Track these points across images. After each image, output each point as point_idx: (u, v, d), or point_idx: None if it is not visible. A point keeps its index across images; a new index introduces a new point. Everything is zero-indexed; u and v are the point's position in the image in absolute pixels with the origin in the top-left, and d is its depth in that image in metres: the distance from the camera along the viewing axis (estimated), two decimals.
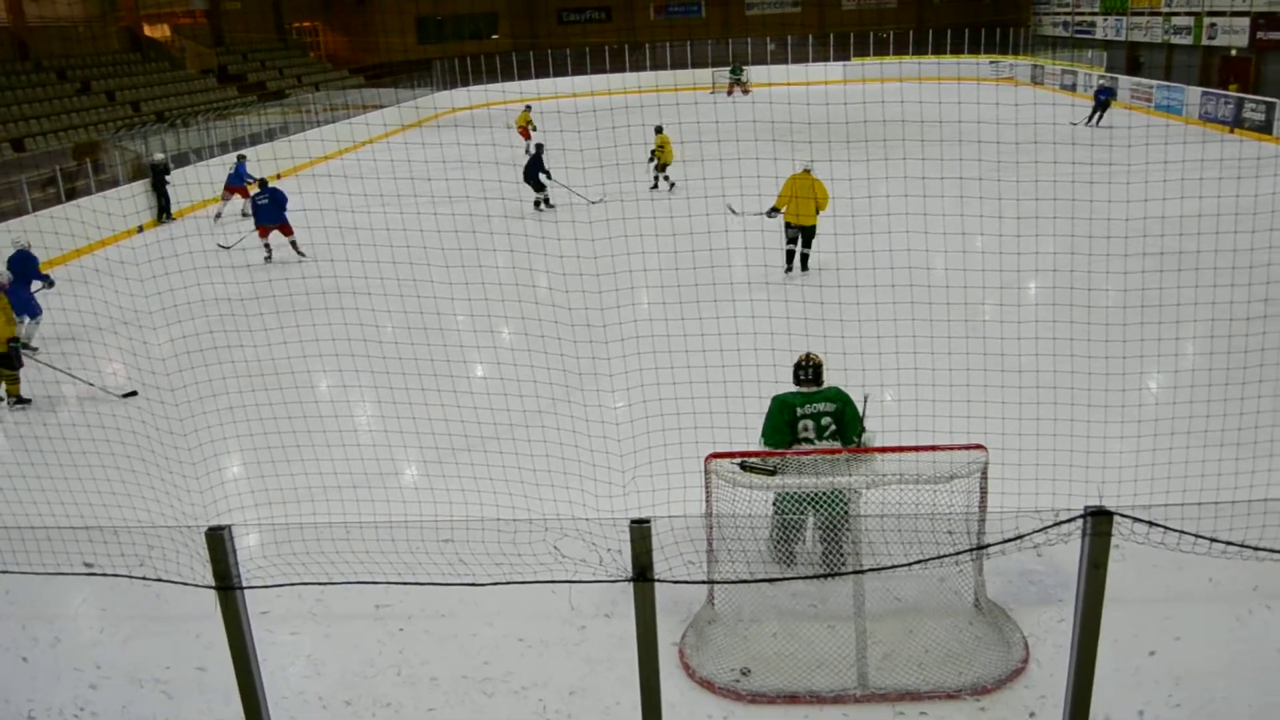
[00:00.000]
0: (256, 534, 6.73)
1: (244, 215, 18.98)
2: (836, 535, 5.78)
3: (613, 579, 4.81)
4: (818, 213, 13.25)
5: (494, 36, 50.06)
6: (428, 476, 7.92)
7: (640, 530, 4.37)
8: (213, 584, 4.57)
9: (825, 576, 5.88)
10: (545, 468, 6.94)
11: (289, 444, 7.42)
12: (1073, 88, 35.91)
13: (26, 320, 12.09)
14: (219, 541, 4.51)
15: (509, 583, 4.99)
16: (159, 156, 20.76)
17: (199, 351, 9.23)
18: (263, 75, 37.00)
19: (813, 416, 6.09)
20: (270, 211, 16.66)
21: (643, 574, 4.44)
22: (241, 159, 20.92)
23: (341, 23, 47.99)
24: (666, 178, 20.75)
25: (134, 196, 20.13)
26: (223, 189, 20.63)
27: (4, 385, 10.38)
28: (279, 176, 23.45)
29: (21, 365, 10.38)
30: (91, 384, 10.42)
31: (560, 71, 41.96)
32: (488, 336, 10.58)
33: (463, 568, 5.29)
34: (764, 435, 6.21)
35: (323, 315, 12.62)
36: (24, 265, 12.38)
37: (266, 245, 16.91)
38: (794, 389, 6.28)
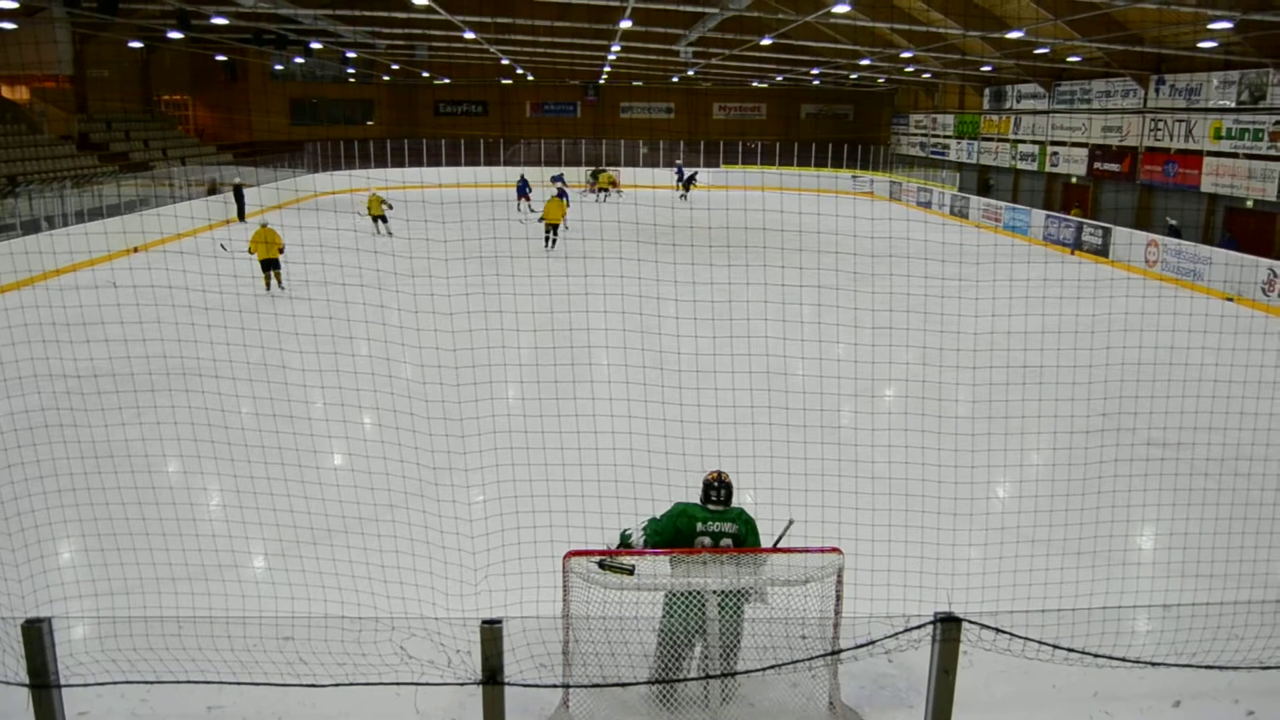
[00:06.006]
0: (80, 627, 6.30)
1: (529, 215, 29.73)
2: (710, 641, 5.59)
3: (461, 681, 4.65)
4: (564, 218, 24.21)
5: (369, 123, 50.05)
6: (270, 570, 7.56)
7: (491, 631, 4.26)
8: (25, 681, 4.26)
9: (676, 681, 5.77)
10: (394, 564, 6.71)
11: (122, 530, 7.01)
12: (928, 204, 37.77)
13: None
14: (35, 635, 4.23)
15: (351, 684, 4.77)
16: (238, 179, 31.34)
17: (30, 430, 8.70)
18: (126, 146, 35.94)
19: (712, 535, 5.74)
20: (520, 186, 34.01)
21: (493, 676, 4.31)
22: (523, 177, 34.69)
23: (213, 99, 47.26)
24: (607, 189, 33.25)
25: (225, 204, 30.48)
26: (517, 198, 33.41)
27: (273, 278, 18.07)
28: (135, 250, 22.75)
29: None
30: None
31: (435, 161, 42.13)
32: (344, 426, 10.30)
33: (303, 667, 5.05)
34: (647, 526, 5.80)
35: (180, 396, 12.11)
36: (524, 186, 32.52)
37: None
38: (699, 502, 5.88)
